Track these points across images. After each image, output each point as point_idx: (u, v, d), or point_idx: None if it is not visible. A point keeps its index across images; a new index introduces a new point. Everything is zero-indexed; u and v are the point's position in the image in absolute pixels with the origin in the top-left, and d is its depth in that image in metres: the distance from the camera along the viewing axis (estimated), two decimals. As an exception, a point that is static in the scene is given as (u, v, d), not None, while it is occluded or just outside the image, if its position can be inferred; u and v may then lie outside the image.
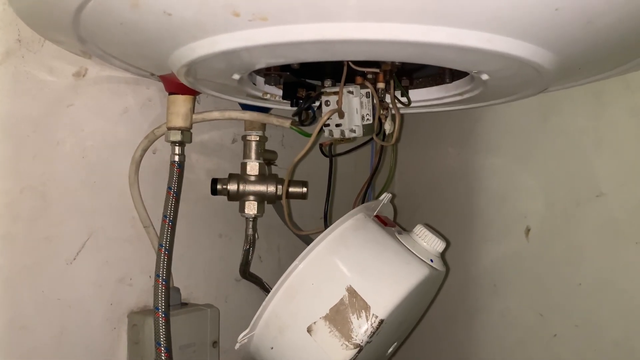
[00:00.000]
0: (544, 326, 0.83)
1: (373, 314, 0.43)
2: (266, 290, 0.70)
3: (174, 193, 0.55)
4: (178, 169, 0.56)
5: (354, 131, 0.49)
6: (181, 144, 0.57)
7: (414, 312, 0.54)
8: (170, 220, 0.55)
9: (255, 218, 0.65)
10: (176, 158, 0.56)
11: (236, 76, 0.45)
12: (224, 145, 0.72)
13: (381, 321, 0.44)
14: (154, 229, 0.63)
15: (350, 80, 0.50)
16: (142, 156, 0.60)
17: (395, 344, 0.54)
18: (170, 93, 0.56)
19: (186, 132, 0.57)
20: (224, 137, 0.72)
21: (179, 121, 0.55)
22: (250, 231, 0.65)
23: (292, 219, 0.61)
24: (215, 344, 0.65)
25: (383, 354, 0.52)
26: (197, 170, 0.69)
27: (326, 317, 0.44)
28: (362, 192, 0.57)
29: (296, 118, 0.51)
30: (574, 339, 0.80)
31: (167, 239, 0.54)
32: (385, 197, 0.53)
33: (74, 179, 0.58)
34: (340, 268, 0.46)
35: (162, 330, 0.51)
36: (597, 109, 0.77)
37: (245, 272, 0.69)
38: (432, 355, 0.97)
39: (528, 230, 0.85)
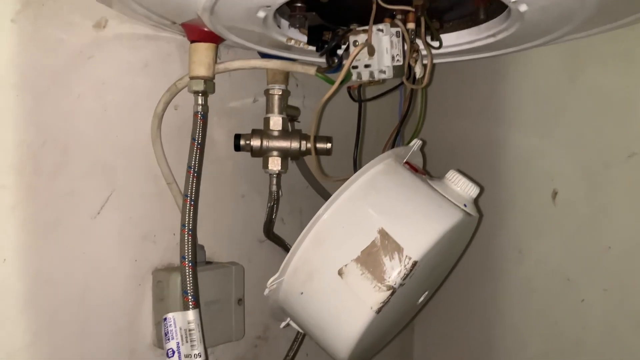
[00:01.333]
0: (571, 291, 0.81)
1: (406, 256, 0.42)
2: (288, 250, 0.69)
3: (198, 144, 0.54)
4: (202, 120, 0.54)
5: (384, 72, 0.47)
6: (204, 94, 0.55)
7: (446, 259, 0.53)
8: (195, 171, 0.54)
9: (279, 174, 0.64)
10: (199, 108, 0.55)
11: (261, 14, 0.44)
12: (245, 105, 0.71)
13: (414, 263, 0.42)
14: (177, 185, 0.62)
15: (379, 21, 0.48)
16: (164, 110, 0.59)
17: (427, 293, 0.52)
18: (192, 41, 0.54)
19: (209, 81, 0.55)
20: (245, 97, 0.71)
21: (201, 70, 0.54)
22: (274, 188, 0.64)
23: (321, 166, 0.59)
24: (240, 301, 0.64)
25: (414, 303, 0.50)
26: (218, 131, 0.67)
27: (357, 260, 0.43)
28: (391, 139, 0.56)
29: (322, 61, 0.49)
30: (602, 304, 0.78)
31: (192, 189, 0.53)
32: (416, 143, 0.51)
33: (95, 133, 0.57)
34: (371, 210, 0.45)
35: (189, 280, 0.51)
36: (627, 67, 0.74)
37: (269, 231, 0.68)
38: (456, 321, 0.96)
39: (555, 193, 0.83)
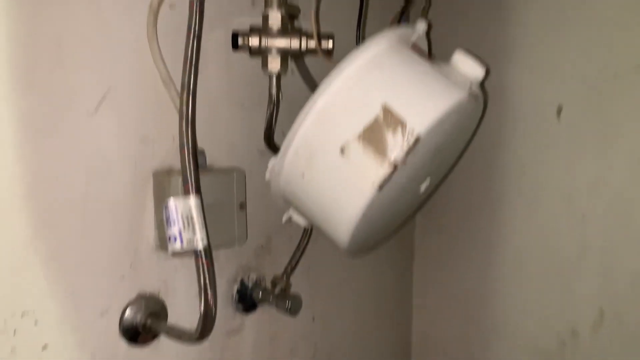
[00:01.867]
0: (572, 208, 0.81)
1: (409, 132, 0.41)
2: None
3: (194, 34, 0.52)
4: (198, 7, 0.52)
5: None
6: (199, -19, 0.53)
7: (450, 146, 0.52)
8: (192, 63, 0.52)
9: (279, 75, 0.62)
10: (195, -4, 0.53)
11: None
12: (243, 6, 0.68)
13: (417, 138, 0.41)
14: (174, 87, 0.60)
15: None
16: (159, 4, 0.57)
17: (429, 181, 0.52)
18: None
19: (205, -33, 0.53)
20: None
21: (196, -45, 0.52)
22: (274, 90, 0.62)
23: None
24: (242, 206, 0.64)
25: (416, 191, 0.50)
26: (216, 36, 0.65)
27: (359, 137, 0.42)
28: (396, 18, 0.54)
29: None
30: (603, 220, 0.78)
31: (189, 80, 0.51)
32: (422, 25, 0.50)
33: (89, 27, 0.55)
34: (374, 86, 0.43)
35: (189, 166, 0.50)
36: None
37: (269, 138, 0.67)
38: (455, 240, 0.96)
39: (560, 109, 0.82)
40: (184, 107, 0.51)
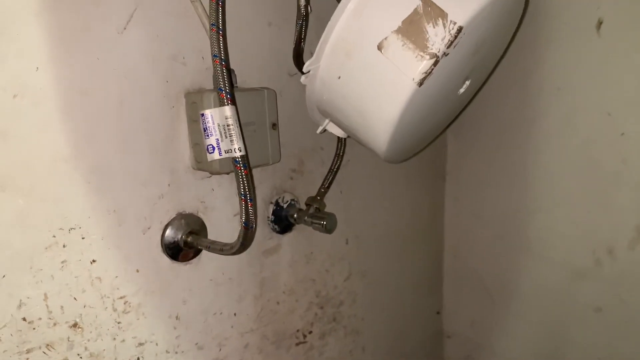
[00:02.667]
0: (611, 125, 0.79)
1: (451, 21, 0.40)
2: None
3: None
4: None
5: None
6: None
7: (490, 45, 0.50)
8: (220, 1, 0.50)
9: (307, -14, 0.60)
10: None
11: None
12: None
13: (460, 28, 0.40)
14: (201, 3, 0.59)
15: None
16: None
17: (469, 82, 0.50)
18: None
19: None
20: None
21: None
22: (302, 2, 0.60)
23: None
24: (274, 125, 0.64)
25: (456, 91, 0.49)
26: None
27: (398, 30, 0.41)
28: None
29: None
30: (644, 136, 0.76)
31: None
32: None
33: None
34: (412, -22, 0.41)
35: (223, 77, 0.49)
36: None
37: (299, 56, 0.65)
38: (490, 161, 0.95)
39: (600, 23, 0.78)
40: (213, 16, 0.50)
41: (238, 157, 0.50)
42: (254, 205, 0.51)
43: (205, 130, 0.50)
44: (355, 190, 0.83)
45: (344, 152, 0.72)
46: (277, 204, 0.71)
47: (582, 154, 0.82)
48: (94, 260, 0.56)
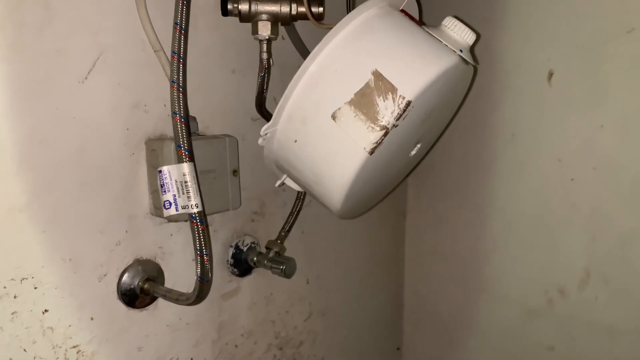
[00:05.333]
0: (561, 171, 0.83)
1: (400, 96, 0.42)
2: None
3: (184, 0, 0.51)
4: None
5: None
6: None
7: (440, 110, 0.52)
8: (182, 29, 0.52)
9: (269, 40, 0.62)
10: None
11: None
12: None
13: (408, 103, 0.42)
14: (164, 53, 0.60)
15: None
16: (147, -32, 0.56)
17: (420, 145, 0.52)
18: None
19: None
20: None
21: None
22: (264, 55, 0.62)
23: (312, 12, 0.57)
24: (235, 172, 0.65)
25: (407, 154, 0.51)
26: (206, 3, 0.65)
27: (351, 102, 0.43)
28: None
29: None
30: (591, 182, 0.80)
31: (179, 46, 0.51)
32: (411, -10, 0.49)
33: (77, -10, 0.54)
34: (365, 52, 0.44)
35: (182, 134, 0.50)
36: None
37: (261, 104, 0.67)
38: (447, 202, 0.98)
39: (551, 74, 0.82)
40: (175, 75, 0.51)
41: (195, 213, 0.50)
42: (210, 260, 0.51)
43: (162, 187, 0.51)
44: (317, 230, 0.85)
45: (305, 195, 0.73)
46: (237, 247, 0.71)
47: (535, 197, 0.86)
48: (46, 310, 0.55)
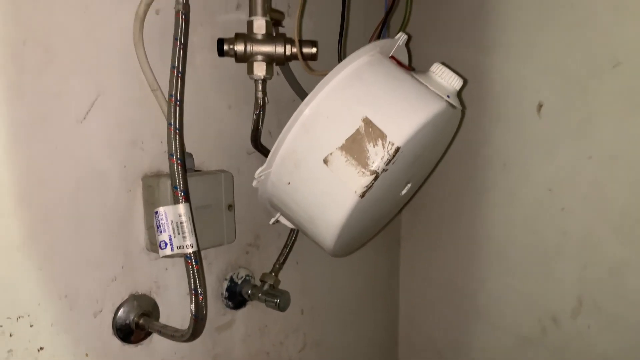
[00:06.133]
0: (552, 201, 0.84)
1: (389, 142, 0.43)
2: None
3: (181, 43, 0.53)
4: (184, 18, 0.54)
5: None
6: (185, -9, 0.54)
7: (429, 151, 0.54)
8: (179, 72, 0.54)
9: (264, 80, 0.63)
10: (181, 7, 0.54)
11: None
12: (228, 11, 0.69)
13: (397, 149, 0.43)
14: (161, 92, 0.61)
15: None
16: (145, 12, 0.58)
17: (410, 185, 0.54)
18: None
19: (190, -22, 0.54)
20: (228, 2, 0.69)
21: (181, -34, 0.53)
22: (259, 94, 0.64)
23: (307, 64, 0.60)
24: (230, 207, 0.66)
25: (397, 194, 0.52)
26: (201, 38, 0.66)
27: (342, 147, 0.44)
28: (376, 32, 0.55)
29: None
30: (581, 211, 0.81)
31: (176, 89, 0.53)
32: (401, 37, 0.51)
33: (77, 33, 0.56)
34: (356, 99, 0.45)
35: (178, 175, 0.52)
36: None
37: (256, 140, 0.69)
38: (441, 231, 0.99)
39: (540, 106, 0.84)
40: (172, 116, 0.52)
41: (190, 253, 0.51)
42: (205, 298, 0.52)
43: (158, 227, 0.52)
44: (311, 260, 0.85)
45: (296, 237, 0.74)
46: (231, 280, 0.72)
47: (526, 226, 0.87)
48: (41, 348, 0.56)
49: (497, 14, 0.86)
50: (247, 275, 0.74)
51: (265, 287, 0.71)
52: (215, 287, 0.71)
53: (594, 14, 0.76)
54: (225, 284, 0.71)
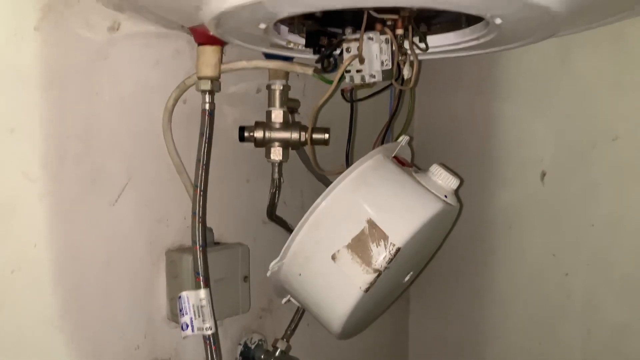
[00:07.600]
0: (556, 265, 0.87)
1: (391, 243, 0.48)
2: (290, 231, 0.75)
3: (206, 139, 0.59)
4: (209, 117, 0.60)
5: (374, 76, 0.52)
6: (211, 92, 0.60)
7: (429, 243, 0.59)
8: (204, 164, 0.59)
9: (280, 163, 0.69)
10: (207, 106, 0.60)
11: (262, 25, 0.48)
12: (249, 95, 0.76)
13: (398, 249, 0.48)
14: (187, 174, 0.67)
15: (370, 27, 0.53)
16: (174, 105, 0.64)
17: (412, 273, 0.58)
18: (200, 44, 0.59)
19: (215, 81, 0.60)
20: (249, 88, 0.76)
21: (208, 71, 0.59)
22: (276, 175, 0.69)
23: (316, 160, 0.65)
24: (246, 278, 0.70)
25: (400, 282, 0.56)
26: (225, 119, 0.72)
27: (348, 246, 0.49)
28: (381, 135, 0.61)
29: (319, 65, 0.54)
30: (584, 277, 0.84)
31: (201, 180, 0.58)
32: (403, 139, 0.57)
33: (112, 127, 0.62)
34: (361, 203, 0.50)
35: (200, 262, 0.57)
36: (617, 51, 0.77)
37: (271, 213, 0.74)
38: (449, 290, 1.02)
39: (544, 174, 0.88)
40: (196, 206, 0.58)
41: (208, 335, 0.56)
42: (220, 374, 0.56)
43: (181, 310, 0.57)
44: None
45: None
46: (245, 345, 0.76)
47: (531, 288, 0.90)
48: (69, 414, 0.60)
49: (501, 89, 0.91)
50: (260, 340, 0.78)
51: (277, 353, 0.75)
52: (230, 351, 0.75)
53: (595, 88, 0.80)
54: (240, 348, 0.76)
